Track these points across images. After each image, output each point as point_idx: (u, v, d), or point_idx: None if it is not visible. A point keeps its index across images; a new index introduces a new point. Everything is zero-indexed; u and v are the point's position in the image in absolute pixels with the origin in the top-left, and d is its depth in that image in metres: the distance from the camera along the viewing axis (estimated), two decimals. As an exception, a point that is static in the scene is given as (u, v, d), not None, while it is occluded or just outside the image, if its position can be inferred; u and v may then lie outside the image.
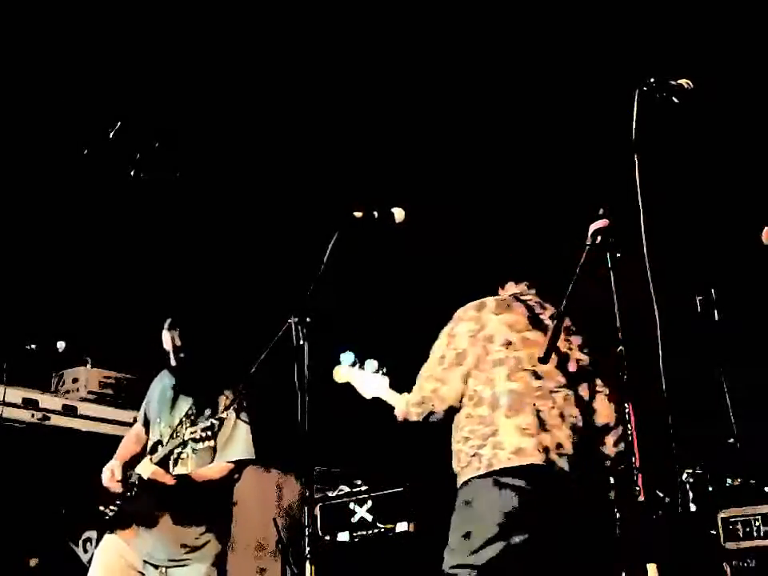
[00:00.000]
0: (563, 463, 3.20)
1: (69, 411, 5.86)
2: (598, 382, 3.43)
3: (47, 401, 5.78)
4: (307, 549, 3.00)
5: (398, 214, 3.47)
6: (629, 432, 2.67)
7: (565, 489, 3.19)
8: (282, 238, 6.57)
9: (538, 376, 3.33)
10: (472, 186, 6.28)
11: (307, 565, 2.99)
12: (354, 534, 5.59)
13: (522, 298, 3.60)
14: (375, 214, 3.42)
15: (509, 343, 3.39)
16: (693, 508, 4.51)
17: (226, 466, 3.93)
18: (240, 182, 6.37)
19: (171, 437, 3.94)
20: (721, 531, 4.30)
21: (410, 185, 5.76)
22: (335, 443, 5.74)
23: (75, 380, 6.16)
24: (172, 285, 6.42)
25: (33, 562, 5.21)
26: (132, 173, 5.05)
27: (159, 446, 3.97)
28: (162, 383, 4.25)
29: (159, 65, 5.44)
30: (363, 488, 5.71)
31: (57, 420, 5.72)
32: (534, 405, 3.27)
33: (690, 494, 4.51)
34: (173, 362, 4.12)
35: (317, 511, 5.74)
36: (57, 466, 5.47)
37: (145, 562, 3.88)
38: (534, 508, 3.11)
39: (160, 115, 5.61)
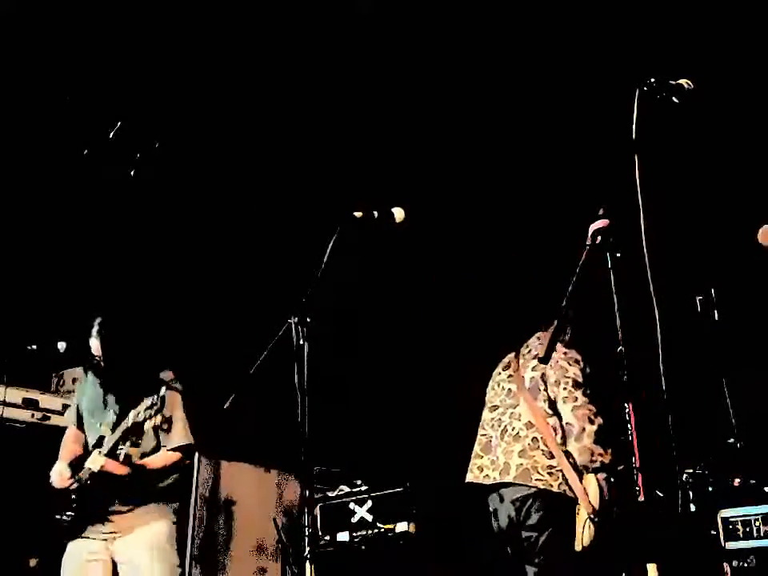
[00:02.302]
0: (495, 474, 3.87)
1: (69, 411, 5.86)
2: (555, 389, 3.90)
3: (47, 401, 5.77)
4: (307, 549, 3.00)
5: (398, 213, 3.48)
6: (629, 432, 2.67)
7: (490, 500, 3.91)
8: (282, 238, 6.57)
9: (494, 408, 4.11)
10: (472, 186, 6.28)
11: (307, 565, 2.99)
12: (354, 534, 5.58)
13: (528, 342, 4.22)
14: (375, 213, 3.42)
15: (491, 388, 4.26)
16: (693, 508, 4.50)
17: (168, 454, 4.15)
18: (240, 182, 6.36)
19: (114, 428, 4.02)
20: (721, 531, 4.29)
21: (409, 185, 5.76)
22: (335, 443, 5.74)
23: (75, 380, 6.16)
24: (171, 285, 6.43)
25: (33, 562, 5.21)
26: (132, 173, 5.06)
27: (104, 440, 4.04)
28: (90, 383, 4.34)
29: (158, 65, 5.44)
30: (363, 488, 5.70)
31: (57, 420, 5.70)
32: (484, 434, 4.08)
33: (690, 494, 4.51)
34: (101, 365, 4.21)
35: (317, 511, 5.74)
36: (57, 466, 5.46)
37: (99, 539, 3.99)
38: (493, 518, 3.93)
39: (159, 115, 5.62)
